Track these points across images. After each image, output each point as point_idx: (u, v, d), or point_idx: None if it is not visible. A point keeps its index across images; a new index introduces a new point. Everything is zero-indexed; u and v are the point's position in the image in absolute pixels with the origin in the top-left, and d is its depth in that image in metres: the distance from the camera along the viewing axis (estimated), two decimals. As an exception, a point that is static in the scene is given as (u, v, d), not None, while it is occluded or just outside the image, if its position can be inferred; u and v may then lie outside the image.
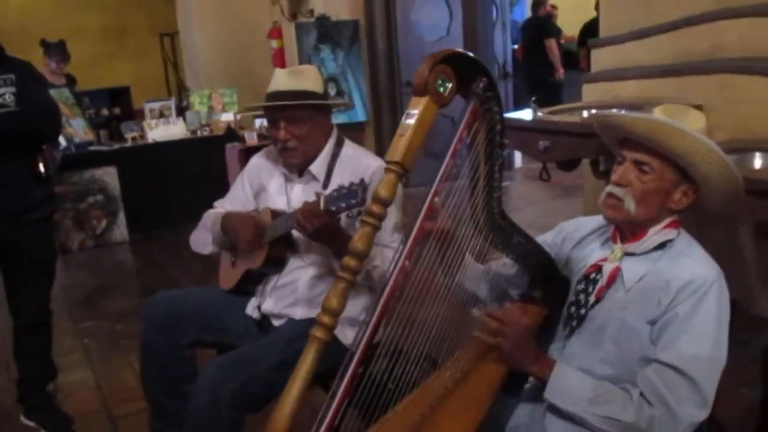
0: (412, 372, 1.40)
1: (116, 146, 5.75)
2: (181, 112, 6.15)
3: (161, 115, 5.96)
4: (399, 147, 1.22)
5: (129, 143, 5.80)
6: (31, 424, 2.80)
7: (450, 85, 1.26)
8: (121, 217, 5.64)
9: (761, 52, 2.98)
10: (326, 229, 1.84)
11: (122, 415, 2.90)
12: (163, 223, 5.71)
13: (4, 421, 2.89)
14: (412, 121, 1.24)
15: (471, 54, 1.33)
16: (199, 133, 6.05)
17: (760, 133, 2.91)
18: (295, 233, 2.04)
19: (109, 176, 5.55)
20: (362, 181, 1.71)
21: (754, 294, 3.09)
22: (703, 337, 1.37)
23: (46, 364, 2.82)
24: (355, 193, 1.70)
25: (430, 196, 1.30)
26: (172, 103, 6.11)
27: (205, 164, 5.78)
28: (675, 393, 1.35)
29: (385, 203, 1.20)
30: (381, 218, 1.20)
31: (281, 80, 2.05)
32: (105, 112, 6.53)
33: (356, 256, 1.19)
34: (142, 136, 5.89)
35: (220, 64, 6.83)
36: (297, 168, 2.14)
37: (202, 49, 6.90)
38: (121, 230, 5.65)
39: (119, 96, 6.91)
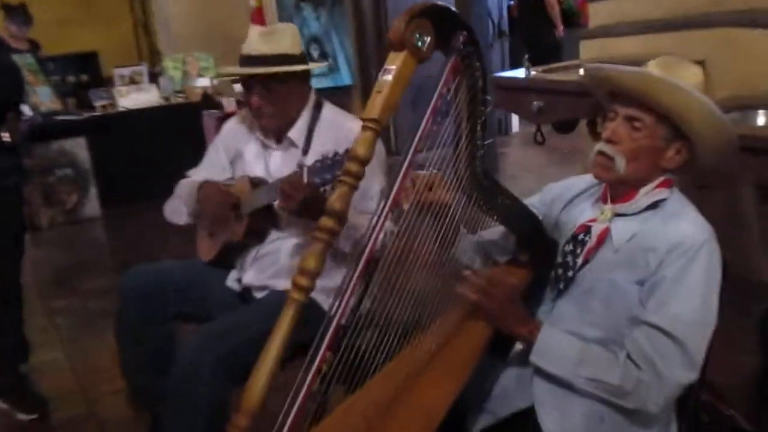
0: (395, 341, 1.45)
1: (85, 115, 5.74)
2: (153, 78, 6.13)
3: (132, 81, 5.94)
4: (376, 104, 1.25)
5: (98, 112, 5.80)
6: (3, 405, 2.85)
7: (428, 39, 1.29)
8: (93, 192, 5.66)
9: (766, 4, 3.01)
10: (312, 205, 1.85)
11: (99, 396, 2.96)
12: (139, 197, 5.62)
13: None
14: (389, 78, 1.27)
15: (450, 7, 1.37)
16: (173, 100, 6.06)
17: (764, 90, 2.95)
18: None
19: (79, 148, 5.56)
20: (347, 150, 1.74)
21: (756, 259, 3.16)
22: (691, 299, 1.42)
23: (18, 341, 2.86)
24: (339, 163, 1.71)
25: (409, 156, 1.34)
26: (144, 68, 6.09)
27: (181, 133, 5.75)
28: (663, 355, 1.40)
29: (362, 161, 1.24)
30: (358, 177, 1.25)
31: (254, 43, 2.05)
32: (72, 79, 6.48)
33: (333, 216, 1.23)
34: (113, 105, 5.88)
35: (195, 27, 6.78)
36: (274, 134, 2.17)
37: (176, 11, 6.85)
38: (92, 205, 5.68)
39: (86, 62, 6.83)
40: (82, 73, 6.64)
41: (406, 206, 1.41)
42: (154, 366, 2.17)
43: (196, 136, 5.84)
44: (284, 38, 2.04)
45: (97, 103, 5.84)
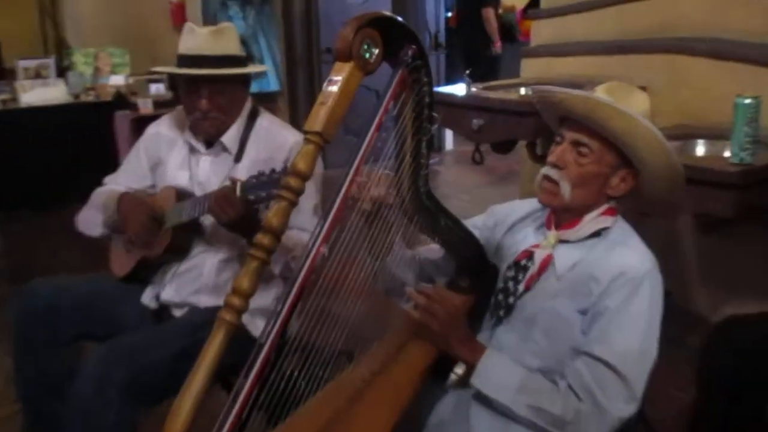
0: (326, 368, 1.45)
1: (-19, 110, 5.55)
2: (61, 73, 5.97)
3: (38, 75, 5.77)
4: (320, 116, 1.27)
5: (-2, 107, 5.61)
6: None
7: (376, 51, 1.32)
8: (-15, 193, 5.44)
9: (707, 32, 3.16)
10: (242, 220, 1.86)
11: (-12, 422, 2.85)
12: (36, 201, 5.51)
13: None
14: (335, 89, 1.29)
15: (400, 18, 1.40)
16: (83, 98, 5.91)
17: (702, 119, 3.09)
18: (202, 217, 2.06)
19: (-27, 144, 5.36)
20: (285, 169, 1.75)
21: (693, 289, 3.30)
22: (633, 331, 1.48)
23: None
24: (276, 181, 1.73)
25: (351, 173, 1.36)
26: (51, 62, 5.92)
27: (90, 135, 5.64)
28: (604, 387, 1.45)
29: (303, 176, 1.25)
30: (298, 193, 1.25)
31: (204, 41, 2.06)
32: (-32, 70, 6.27)
33: (270, 233, 1.23)
34: (14, 99, 5.69)
35: (108, 20, 6.65)
36: (204, 137, 2.17)
37: (87, 2, 6.71)
38: (-17, 208, 5.46)
39: (-16, 51, 6.63)
40: (-22, 62, 6.43)
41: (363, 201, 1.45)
42: (54, 391, 2.11)
43: (107, 137, 5.73)
44: (231, 39, 2.09)
45: (-3, 98, 5.65)
